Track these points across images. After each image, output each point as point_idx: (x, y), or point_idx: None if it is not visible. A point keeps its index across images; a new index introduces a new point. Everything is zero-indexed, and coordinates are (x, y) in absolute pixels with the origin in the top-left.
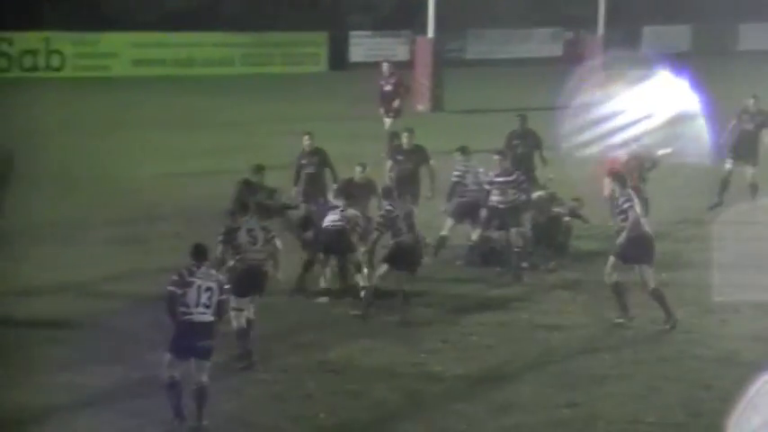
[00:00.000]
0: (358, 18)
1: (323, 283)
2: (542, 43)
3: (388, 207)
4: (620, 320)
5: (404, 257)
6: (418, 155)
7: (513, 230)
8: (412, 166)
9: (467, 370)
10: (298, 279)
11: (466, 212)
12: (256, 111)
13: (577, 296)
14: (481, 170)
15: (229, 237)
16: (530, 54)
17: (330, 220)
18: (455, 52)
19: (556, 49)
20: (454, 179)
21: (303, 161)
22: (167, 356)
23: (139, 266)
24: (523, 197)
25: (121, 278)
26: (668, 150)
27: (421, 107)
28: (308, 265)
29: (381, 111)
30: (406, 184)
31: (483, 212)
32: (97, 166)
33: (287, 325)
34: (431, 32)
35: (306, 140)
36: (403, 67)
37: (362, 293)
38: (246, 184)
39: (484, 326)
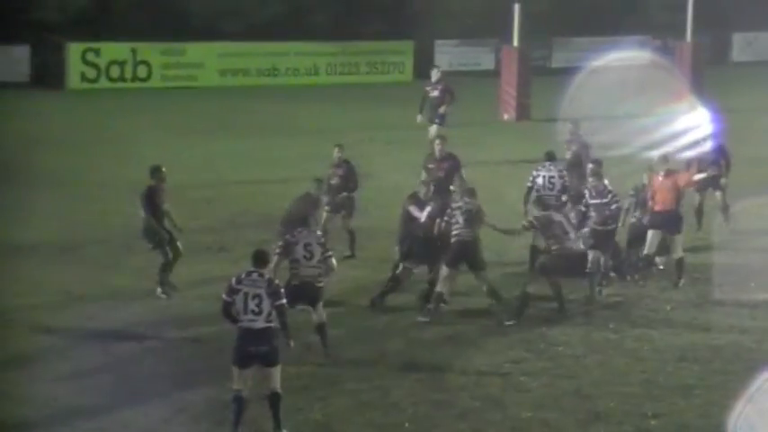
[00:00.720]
0: (443, 27)
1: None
2: (629, 51)
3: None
4: (510, 323)
5: (461, 254)
6: (450, 163)
7: (598, 254)
8: (443, 175)
9: (553, 380)
10: (381, 293)
11: None
12: (341, 119)
13: (666, 307)
14: (555, 174)
15: (287, 250)
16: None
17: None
18: (540, 60)
19: (642, 57)
20: (528, 184)
21: (330, 172)
22: (233, 369)
23: (226, 274)
24: (617, 223)
25: (207, 285)
26: (703, 175)
27: (507, 116)
28: (396, 282)
29: (419, 118)
30: (439, 192)
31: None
32: (184, 173)
33: (372, 332)
34: (516, 41)
35: (336, 152)
36: (489, 76)
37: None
38: (308, 196)
39: (570, 336)
